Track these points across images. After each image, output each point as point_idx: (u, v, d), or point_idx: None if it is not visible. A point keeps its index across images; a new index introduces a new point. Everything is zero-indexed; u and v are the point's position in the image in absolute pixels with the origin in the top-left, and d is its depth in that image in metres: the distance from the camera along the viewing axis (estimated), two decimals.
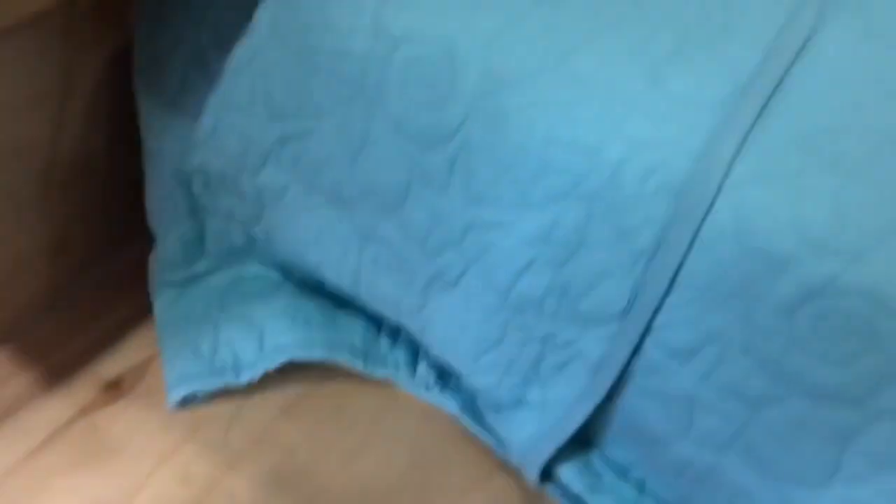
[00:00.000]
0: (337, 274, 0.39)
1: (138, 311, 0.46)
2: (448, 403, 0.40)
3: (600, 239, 0.28)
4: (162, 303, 0.44)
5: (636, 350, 0.28)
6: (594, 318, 0.29)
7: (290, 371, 0.42)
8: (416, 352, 0.42)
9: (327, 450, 0.41)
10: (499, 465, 0.39)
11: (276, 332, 0.42)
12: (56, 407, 0.43)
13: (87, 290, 0.48)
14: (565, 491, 0.36)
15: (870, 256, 0.24)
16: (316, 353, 0.41)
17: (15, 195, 0.43)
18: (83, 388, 0.44)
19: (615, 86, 0.27)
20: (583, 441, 0.34)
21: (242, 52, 0.35)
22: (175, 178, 0.40)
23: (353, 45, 0.31)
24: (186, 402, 0.42)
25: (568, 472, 0.34)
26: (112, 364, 0.45)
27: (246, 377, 0.41)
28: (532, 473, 0.34)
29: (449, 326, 0.35)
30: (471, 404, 0.39)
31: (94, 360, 0.45)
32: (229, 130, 0.36)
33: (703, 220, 0.26)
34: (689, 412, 0.28)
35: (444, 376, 0.41)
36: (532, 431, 0.33)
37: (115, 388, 0.44)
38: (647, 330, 0.28)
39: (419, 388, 0.41)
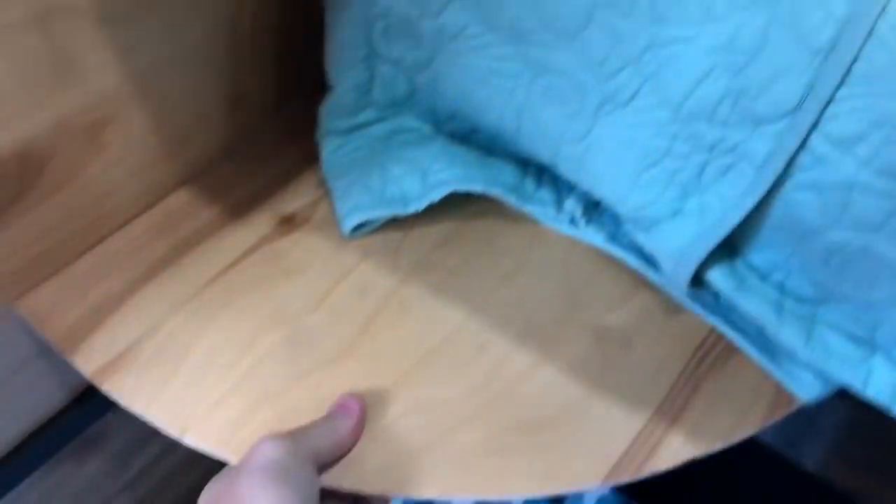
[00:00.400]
0: (499, 113, 0.44)
1: (307, 158, 0.52)
2: (593, 236, 0.45)
3: (779, 41, 0.32)
4: (329, 148, 0.50)
5: (802, 145, 0.33)
6: (766, 118, 0.33)
7: (447, 207, 0.47)
8: (559, 192, 0.47)
9: (484, 272, 0.46)
10: (643, 283, 0.44)
11: (438, 170, 0.47)
12: (237, 238, 0.49)
13: (262, 137, 0.54)
14: (706, 301, 0.41)
15: None
16: (476, 187, 0.46)
17: (201, 52, 0.48)
18: (261, 222, 0.50)
19: None
20: (727, 249, 0.39)
21: None
22: (358, 24, 0.45)
23: None
24: (358, 230, 0.48)
25: (716, 275, 0.39)
26: (285, 202, 0.51)
27: (412, 207, 0.46)
28: (684, 276, 0.39)
29: (613, 148, 0.40)
30: (615, 233, 0.44)
31: (269, 198, 0.51)
32: None
33: (879, 16, 0.30)
34: (846, 198, 0.33)
35: (589, 212, 0.46)
36: (689, 236, 0.38)
37: (289, 222, 0.50)
38: (816, 124, 0.32)
39: (564, 223, 0.46)
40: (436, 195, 0.46)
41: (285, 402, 0.41)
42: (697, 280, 0.40)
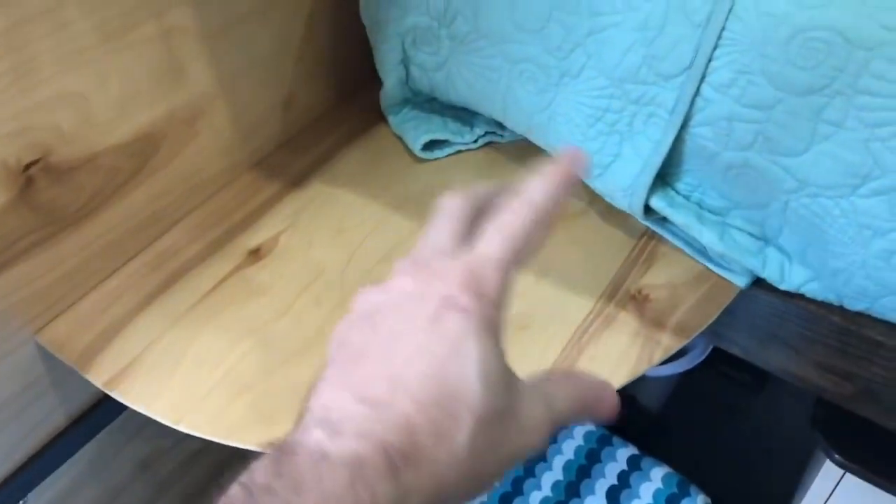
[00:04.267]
0: (491, 98, 0.59)
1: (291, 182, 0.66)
2: None
3: (675, 20, 0.47)
4: (393, 116, 0.69)
5: (696, 92, 0.48)
6: (670, 74, 0.48)
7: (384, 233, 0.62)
8: None
9: None
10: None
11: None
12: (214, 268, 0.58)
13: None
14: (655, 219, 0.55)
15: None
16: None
17: (266, 63, 0.64)
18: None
19: None
20: (659, 181, 0.53)
21: None
22: (394, 38, 0.61)
23: None
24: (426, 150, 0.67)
25: (655, 200, 0.53)
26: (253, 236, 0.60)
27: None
28: (638, 205, 0.53)
29: (569, 111, 0.54)
30: None
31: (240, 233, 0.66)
32: None
33: (734, 2, 0.44)
34: (729, 127, 0.47)
35: None
36: (633, 173, 0.53)
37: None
38: (703, 76, 0.47)
39: None
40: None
41: (260, 391, 0.48)
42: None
